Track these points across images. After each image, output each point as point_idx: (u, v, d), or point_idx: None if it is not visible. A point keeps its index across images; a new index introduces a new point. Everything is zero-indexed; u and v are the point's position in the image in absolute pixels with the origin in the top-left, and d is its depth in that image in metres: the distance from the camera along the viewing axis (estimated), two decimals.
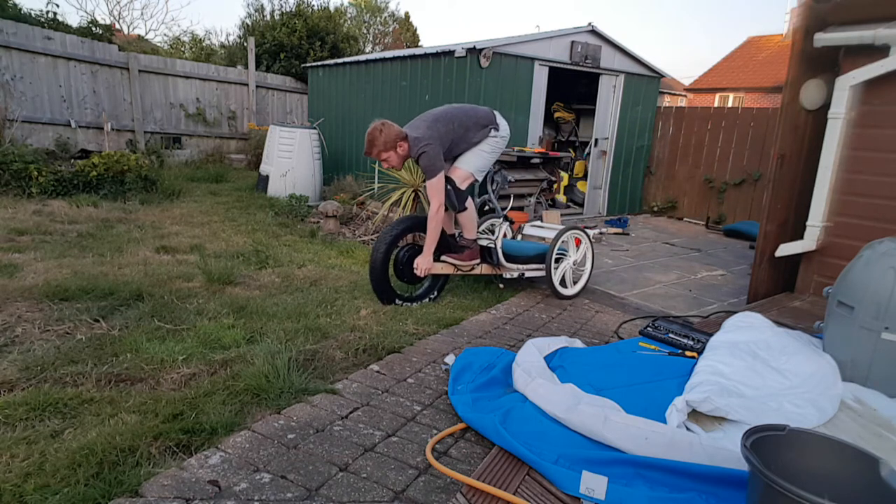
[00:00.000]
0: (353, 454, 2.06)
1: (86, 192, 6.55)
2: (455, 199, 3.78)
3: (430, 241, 3.72)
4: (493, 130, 3.81)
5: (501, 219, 4.32)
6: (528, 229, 4.85)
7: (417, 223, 3.89)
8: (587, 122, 9.16)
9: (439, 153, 3.58)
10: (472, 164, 3.83)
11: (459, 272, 4.02)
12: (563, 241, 4.28)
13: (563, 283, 4.27)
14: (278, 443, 2.09)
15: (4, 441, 1.97)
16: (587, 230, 4.55)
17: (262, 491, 1.81)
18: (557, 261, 4.26)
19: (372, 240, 5.84)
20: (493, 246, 4.10)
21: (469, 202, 3.89)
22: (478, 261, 4.06)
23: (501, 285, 4.40)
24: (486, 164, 3.93)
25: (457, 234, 4.06)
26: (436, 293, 4.06)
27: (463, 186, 3.80)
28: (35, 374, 2.48)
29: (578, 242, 4.45)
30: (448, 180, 3.73)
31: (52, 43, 8.54)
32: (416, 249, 3.89)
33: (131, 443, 1.99)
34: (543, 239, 4.61)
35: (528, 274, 4.26)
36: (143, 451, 1.97)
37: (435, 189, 3.59)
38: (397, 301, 3.83)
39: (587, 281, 4.44)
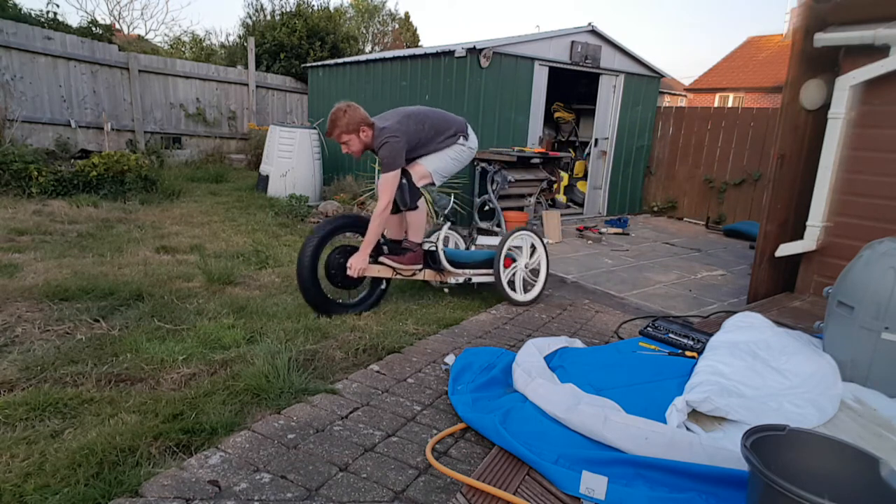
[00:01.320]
0: (353, 454, 2.06)
1: (86, 192, 6.55)
2: (408, 195, 3.59)
3: (370, 239, 3.50)
4: (462, 139, 3.71)
5: (443, 219, 4.10)
6: (481, 240, 4.71)
7: (351, 222, 3.66)
8: (587, 122, 9.16)
9: (403, 150, 3.44)
10: (434, 165, 3.67)
11: (399, 276, 3.76)
12: (512, 244, 4.06)
13: (514, 287, 4.07)
14: (278, 443, 2.09)
15: (4, 441, 1.97)
16: (540, 233, 4.28)
17: (262, 491, 1.81)
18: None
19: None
20: (434, 249, 3.88)
21: (421, 202, 3.71)
22: (420, 266, 3.82)
23: (446, 290, 4.15)
24: (448, 170, 3.77)
25: (403, 239, 3.83)
26: (374, 299, 3.74)
27: (419, 184, 3.64)
28: (35, 374, 2.48)
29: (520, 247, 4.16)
30: (404, 173, 3.55)
31: (52, 43, 8.54)
32: (351, 251, 3.59)
33: (131, 443, 1.99)
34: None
35: (475, 279, 4.02)
36: (143, 451, 1.97)
37: (388, 185, 3.43)
38: (330, 309, 3.49)
39: (544, 285, 4.21)
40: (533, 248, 4.23)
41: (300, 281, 3.45)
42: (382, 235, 3.70)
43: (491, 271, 3.98)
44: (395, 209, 3.67)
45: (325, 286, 3.57)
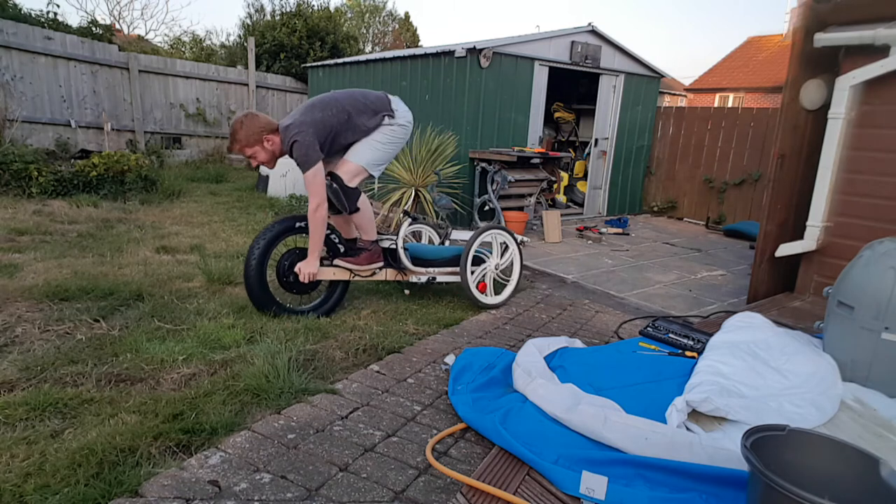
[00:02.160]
0: (353, 454, 2.06)
1: (86, 192, 6.55)
2: (344, 200, 3.30)
3: (314, 243, 3.29)
4: (386, 118, 3.32)
5: (403, 215, 3.86)
6: (456, 235, 4.49)
7: (305, 223, 3.42)
8: (587, 122, 9.17)
9: (314, 143, 3.12)
10: (364, 157, 3.32)
11: (358, 278, 3.59)
12: (482, 243, 3.86)
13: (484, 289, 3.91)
14: (278, 443, 2.09)
15: (4, 441, 1.97)
16: (514, 233, 4.10)
17: (262, 491, 1.81)
18: (476, 264, 3.88)
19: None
20: (394, 246, 3.67)
21: (363, 201, 3.43)
22: (379, 264, 3.62)
23: (407, 291, 3.97)
24: (383, 158, 3.41)
25: (357, 239, 3.64)
26: (332, 303, 3.57)
27: (353, 183, 3.31)
28: (35, 374, 2.48)
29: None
30: (334, 177, 3.27)
31: (53, 43, 8.54)
32: (302, 254, 3.43)
33: (131, 443, 1.99)
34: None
35: (440, 278, 3.82)
36: (143, 451, 1.97)
37: (311, 184, 3.15)
38: (282, 311, 3.39)
39: (515, 288, 4.06)
40: (505, 246, 4.04)
41: (249, 289, 3.33)
42: (337, 235, 3.55)
43: (457, 269, 3.78)
44: (337, 210, 3.42)
45: (281, 291, 3.49)
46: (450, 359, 2.90)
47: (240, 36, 14.46)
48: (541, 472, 1.94)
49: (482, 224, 6.41)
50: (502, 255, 4.04)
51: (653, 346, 3.15)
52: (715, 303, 4.39)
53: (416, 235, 4.54)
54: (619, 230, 7.07)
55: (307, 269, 3.34)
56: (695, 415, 2.21)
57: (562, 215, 6.88)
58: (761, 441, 1.63)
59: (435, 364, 2.90)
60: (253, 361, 2.64)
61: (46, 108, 8.62)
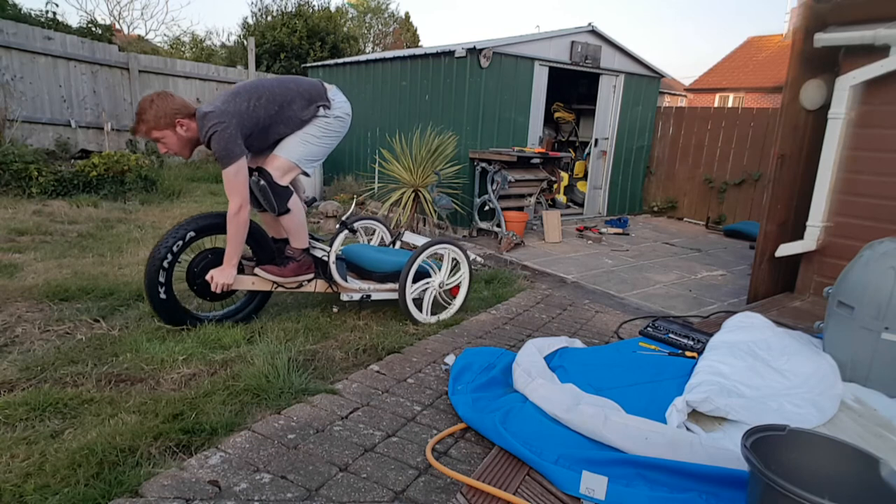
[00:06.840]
0: (353, 454, 2.06)
1: (86, 192, 6.55)
2: (273, 199, 2.95)
3: (231, 249, 2.94)
4: (322, 109, 3.00)
5: (339, 226, 3.42)
6: (408, 237, 4.15)
7: (217, 223, 3.04)
8: (587, 122, 9.17)
9: (236, 136, 2.78)
10: (296, 152, 3.00)
11: (282, 289, 3.23)
12: (426, 258, 3.53)
13: (421, 307, 3.54)
14: (278, 443, 2.09)
15: (4, 441, 1.97)
16: (465, 248, 3.73)
17: (262, 491, 1.81)
18: (420, 278, 3.54)
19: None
20: (326, 259, 3.28)
21: (294, 202, 3.06)
22: (309, 276, 3.24)
23: (335, 309, 3.55)
24: (317, 153, 3.09)
25: (286, 245, 3.29)
26: (249, 311, 3.29)
27: (283, 181, 2.97)
28: (35, 374, 2.48)
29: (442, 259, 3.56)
30: (263, 173, 2.93)
31: (52, 43, 8.54)
32: (217, 257, 3.06)
33: (131, 443, 1.99)
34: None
35: (375, 296, 3.45)
36: (143, 451, 1.97)
37: (232, 182, 2.81)
38: (190, 321, 3.05)
39: (460, 307, 3.70)
40: (455, 264, 3.68)
41: (148, 291, 2.93)
42: (263, 237, 3.24)
43: (396, 287, 3.42)
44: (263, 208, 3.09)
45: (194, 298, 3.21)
46: (450, 359, 2.90)
47: (240, 36, 14.50)
48: (541, 472, 1.94)
49: (483, 224, 6.41)
50: (451, 274, 3.67)
51: (653, 346, 3.15)
52: (715, 303, 4.39)
53: (369, 232, 4.26)
54: (619, 230, 7.07)
55: (221, 279, 2.97)
56: (695, 415, 2.21)
57: (562, 215, 6.88)
58: (761, 441, 1.63)
59: (435, 364, 2.90)
60: (253, 361, 2.64)
61: (46, 108, 8.62)
